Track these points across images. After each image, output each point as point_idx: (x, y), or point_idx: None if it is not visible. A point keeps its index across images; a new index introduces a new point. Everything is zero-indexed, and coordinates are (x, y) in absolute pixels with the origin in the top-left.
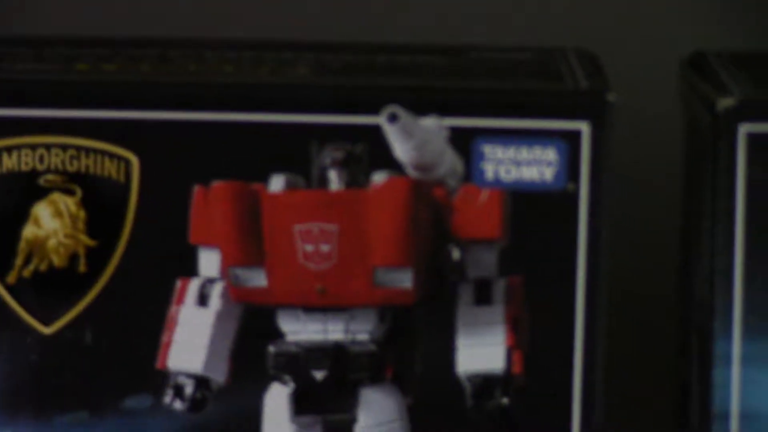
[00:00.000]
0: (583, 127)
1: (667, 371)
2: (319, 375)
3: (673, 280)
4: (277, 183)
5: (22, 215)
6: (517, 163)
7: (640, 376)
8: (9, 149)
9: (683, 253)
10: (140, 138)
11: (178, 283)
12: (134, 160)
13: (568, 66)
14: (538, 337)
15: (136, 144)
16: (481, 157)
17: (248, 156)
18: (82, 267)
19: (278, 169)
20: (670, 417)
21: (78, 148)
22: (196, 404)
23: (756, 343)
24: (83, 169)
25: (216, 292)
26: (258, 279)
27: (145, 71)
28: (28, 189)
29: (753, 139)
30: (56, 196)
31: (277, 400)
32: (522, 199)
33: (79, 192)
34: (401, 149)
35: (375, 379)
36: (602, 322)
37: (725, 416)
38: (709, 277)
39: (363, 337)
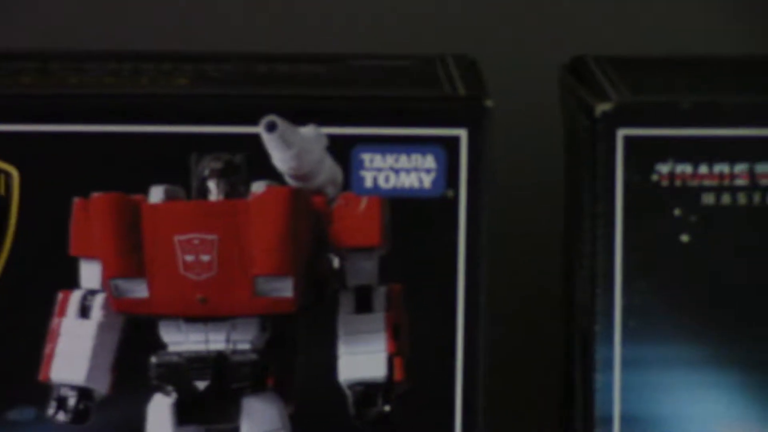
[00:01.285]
0: (462, 134)
1: (552, 375)
2: (201, 385)
3: (557, 283)
4: (156, 194)
5: None
6: (396, 171)
7: (524, 381)
8: None
9: (566, 257)
10: (20, 151)
11: (60, 296)
12: (14, 173)
13: (446, 72)
14: (419, 344)
15: (17, 157)
16: (360, 165)
17: (128, 167)
18: None
19: (158, 180)
20: (555, 421)
21: None
22: (79, 416)
23: (636, 347)
24: None
25: (97, 303)
26: (139, 290)
27: (25, 83)
28: None
29: (630, 143)
30: None
31: (159, 410)
32: (401, 207)
33: None
34: (280, 158)
35: (257, 388)
36: (483, 326)
37: (608, 420)
38: (590, 280)
39: (244, 346)
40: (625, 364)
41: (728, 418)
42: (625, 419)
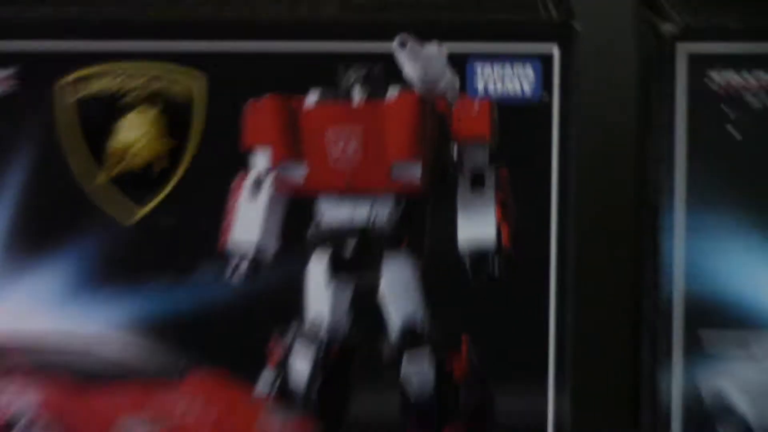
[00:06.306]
0: (554, 50)
1: (625, 254)
2: (351, 242)
3: (628, 173)
4: (313, 96)
5: (109, 127)
6: (502, 79)
7: (600, 256)
8: (99, 75)
9: (639, 152)
10: (207, 62)
11: (238, 177)
12: (203, 79)
13: (543, 1)
14: (520, 221)
15: (205, 66)
16: (474, 74)
17: (292, 76)
18: (163, 165)
19: (314, 86)
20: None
21: (154, 73)
22: (252, 271)
23: (696, 216)
24: (158, 89)
25: (268, 181)
26: (299, 172)
27: (209, 10)
28: (114, 106)
29: (691, 59)
30: (139, 110)
31: (317, 266)
32: (506, 108)
33: (157, 106)
34: (410, 69)
35: (394, 247)
36: (572, 204)
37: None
38: (656, 164)
39: (383, 216)
40: (688, 229)
41: None
42: (688, 275)
